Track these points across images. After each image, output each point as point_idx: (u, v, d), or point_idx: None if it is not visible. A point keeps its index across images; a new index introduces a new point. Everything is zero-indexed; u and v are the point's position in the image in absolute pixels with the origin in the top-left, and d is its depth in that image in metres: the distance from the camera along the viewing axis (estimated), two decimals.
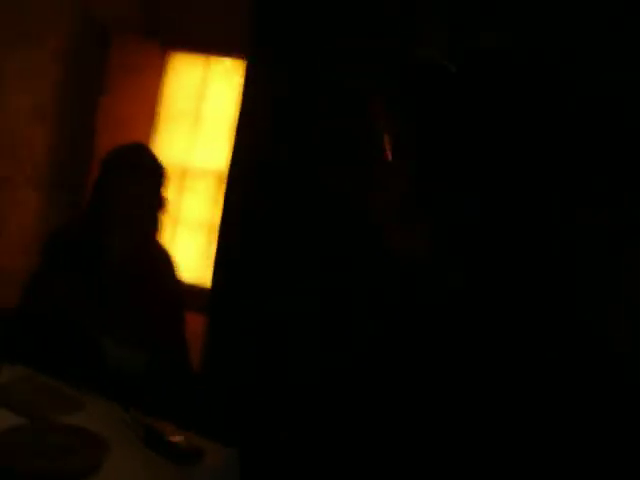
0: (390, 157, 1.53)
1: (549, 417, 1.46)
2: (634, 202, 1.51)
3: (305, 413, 1.87)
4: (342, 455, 1.64)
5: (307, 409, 1.86)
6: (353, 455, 1.61)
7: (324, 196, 2.01)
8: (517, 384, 1.47)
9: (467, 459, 1.46)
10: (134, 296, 1.87)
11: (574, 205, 1.56)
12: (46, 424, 1.36)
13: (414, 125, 1.53)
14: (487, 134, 1.58)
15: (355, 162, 1.90)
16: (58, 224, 2.29)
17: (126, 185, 1.87)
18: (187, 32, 3.59)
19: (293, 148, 2.12)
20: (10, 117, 3.07)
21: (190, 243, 3.72)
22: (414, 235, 1.54)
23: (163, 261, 1.99)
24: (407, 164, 1.56)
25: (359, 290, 1.74)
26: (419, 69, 1.55)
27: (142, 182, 1.89)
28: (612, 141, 1.54)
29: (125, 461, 1.30)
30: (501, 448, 1.45)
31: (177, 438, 1.38)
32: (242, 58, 3.32)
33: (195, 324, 2.20)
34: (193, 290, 3.08)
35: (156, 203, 1.93)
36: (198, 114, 3.76)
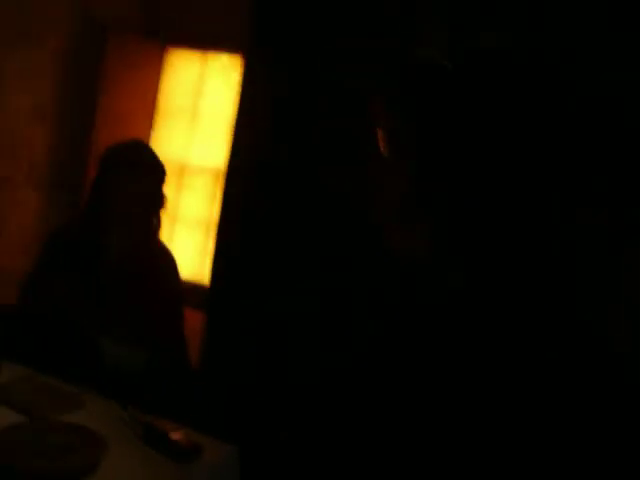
0: (385, 152, 1.53)
1: (549, 417, 1.46)
2: (634, 202, 1.51)
3: (305, 412, 1.87)
4: (342, 455, 1.64)
5: (307, 408, 1.86)
6: (353, 455, 1.61)
7: (324, 196, 2.01)
8: (517, 384, 1.47)
9: (467, 459, 1.46)
10: (133, 294, 1.86)
11: (574, 205, 1.56)
12: (46, 423, 1.37)
13: (414, 125, 1.53)
14: (487, 134, 1.58)
15: (355, 162, 1.90)
16: (58, 224, 2.28)
17: (124, 183, 1.85)
18: (187, 31, 3.59)
19: (292, 148, 2.12)
20: (10, 117, 3.07)
21: (188, 240, 3.72)
22: (414, 235, 1.54)
23: (163, 259, 1.98)
24: (407, 164, 1.56)
25: (359, 290, 1.74)
26: (419, 69, 1.55)
27: (141, 180, 1.87)
28: (612, 141, 1.54)
29: (124, 459, 1.30)
30: (501, 448, 1.45)
31: (176, 435, 1.38)
32: (239, 54, 3.32)
33: (194, 321, 2.19)
34: (191, 287, 3.09)
35: (156, 201, 1.92)
36: (196, 111, 3.75)
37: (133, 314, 1.84)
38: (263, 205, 2.18)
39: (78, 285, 1.85)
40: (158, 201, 1.93)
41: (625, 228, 1.51)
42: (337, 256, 1.92)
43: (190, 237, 3.73)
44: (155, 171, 1.91)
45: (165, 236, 2.04)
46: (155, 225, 1.95)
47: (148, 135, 3.70)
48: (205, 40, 3.59)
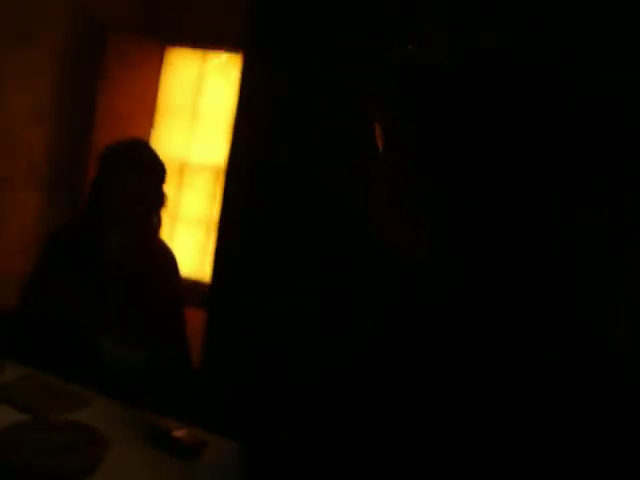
0: (384, 151, 1.53)
1: (549, 417, 1.46)
2: (634, 202, 1.51)
3: (304, 412, 1.87)
4: (342, 454, 1.64)
5: (307, 408, 1.86)
6: (353, 454, 1.61)
7: (324, 196, 2.01)
8: (517, 384, 1.47)
9: (467, 459, 1.46)
10: (133, 294, 1.86)
11: (574, 205, 1.56)
12: (47, 422, 1.37)
13: (414, 125, 1.53)
14: (487, 134, 1.58)
15: (355, 162, 1.90)
16: (58, 224, 2.28)
17: (124, 182, 1.84)
18: (186, 30, 3.59)
19: (292, 147, 2.12)
20: (9, 117, 3.07)
21: (189, 239, 3.72)
22: (414, 235, 1.54)
23: (164, 258, 1.97)
24: (407, 164, 1.56)
25: (359, 290, 1.74)
26: (419, 69, 1.55)
27: (141, 179, 1.86)
28: (612, 141, 1.54)
29: (127, 457, 1.31)
30: (501, 448, 1.45)
31: (179, 433, 1.38)
32: (239, 52, 3.32)
33: (195, 320, 2.19)
34: (192, 286, 3.09)
35: (156, 200, 1.91)
36: (195, 109, 3.75)
37: (134, 314, 1.84)
38: (263, 205, 2.18)
39: (78, 285, 1.85)
40: (158, 200, 1.92)
41: (625, 228, 1.51)
42: (337, 256, 1.93)
43: (191, 235, 3.73)
44: (155, 170, 1.91)
45: (166, 235, 2.03)
46: (155, 224, 1.94)
47: (148, 134, 3.70)
48: (205, 39, 3.59)
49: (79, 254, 1.89)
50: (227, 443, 1.46)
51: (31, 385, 1.54)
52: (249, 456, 1.51)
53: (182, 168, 3.74)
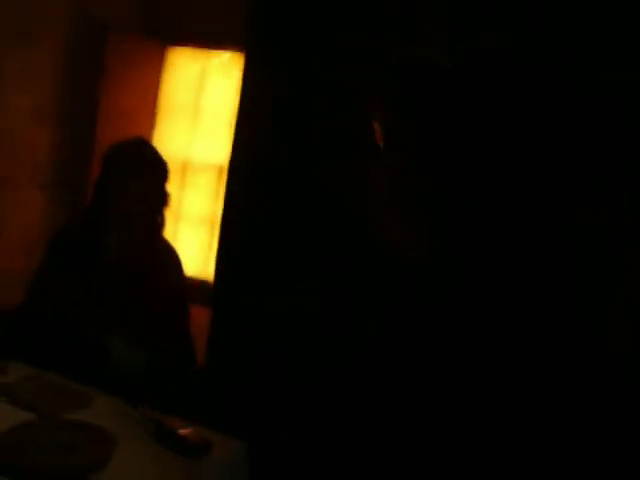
0: (383, 151, 1.53)
1: (549, 417, 1.46)
2: (634, 202, 1.51)
3: (305, 412, 1.88)
4: (342, 454, 1.65)
5: (307, 408, 1.87)
6: (353, 454, 1.61)
7: (324, 195, 2.01)
8: (517, 384, 1.47)
9: (467, 458, 1.46)
10: (137, 293, 1.86)
11: (574, 205, 1.56)
12: (52, 421, 1.37)
13: (414, 125, 1.53)
14: (487, 134, 1.58)
15: (355, 162, 1.90)
16: (61, 223, 2.28)
17: (127, 181, 1.84)
18: (187, 30, 3.59)
19: (292, 148, 2.12)
20: (10, 117, 3.07)
21: (192, 238, 3.72)
22: (414, 235, 1.54)
23: (167, 257, 1.97)
24: (407, 164, 1.56)
25: (359, 290, 1.75)
26: (419, 69, 1.55)
27: (144, 178, 1.86)
28: (612, 141, 1.54)
29: (134, 456, 1.31)
30: (501, 448, 1.45)
31: (186, 432, 1.38)
32: (241, 51, 3.32)
33: (200, 318, 2.19)
34: (197, 284, 3.10)
35: (159, 199, 1.91)
36: (198, 107, 3.75)
37: (137, 313, 1.84)
38: (263, 204, 2.18)
39: (80, 284, 1.85)
40: (162, 199, 1.91)
41: (625, 228, 1.51)
42: (337, 255, 1.93)
43: (194, 234, 3.74)
44: (158, 169, 1.90)
45: (169, 234, 2.03)
46: (159, 223, 1.94)
47: (150, 133, 3.70)
48: (206, 38, 3.59)
49: (82, 253, 1.89)
50: (232, 442, 1.46)
51: (36, 385, 1.54)
52: (250, 455, 1.51)
53: (185, 167, 3.74)
